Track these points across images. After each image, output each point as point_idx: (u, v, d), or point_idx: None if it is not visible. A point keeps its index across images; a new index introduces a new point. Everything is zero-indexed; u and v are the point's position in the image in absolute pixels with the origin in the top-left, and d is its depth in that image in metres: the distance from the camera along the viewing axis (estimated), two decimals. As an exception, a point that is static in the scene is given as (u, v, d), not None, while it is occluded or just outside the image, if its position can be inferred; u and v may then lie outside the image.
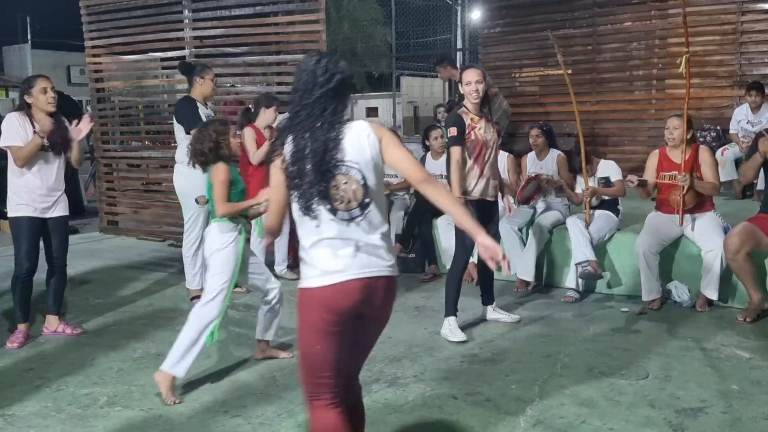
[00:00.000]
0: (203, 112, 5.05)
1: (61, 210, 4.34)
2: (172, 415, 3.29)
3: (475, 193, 4.33)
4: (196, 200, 5.05)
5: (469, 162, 4.31)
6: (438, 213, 5.87)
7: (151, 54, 7.76)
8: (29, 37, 26.06)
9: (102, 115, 8.24)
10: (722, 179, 5.52)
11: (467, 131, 4.29)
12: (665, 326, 4.46)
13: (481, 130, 4.31)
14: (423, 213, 5.90)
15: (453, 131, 4.26)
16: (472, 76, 4.27)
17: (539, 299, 5.17)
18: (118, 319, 4.81)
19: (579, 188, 5.32)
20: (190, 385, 3.63)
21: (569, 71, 6.85)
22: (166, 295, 5.44)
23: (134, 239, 7.79)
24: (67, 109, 5.20)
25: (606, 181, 5.24)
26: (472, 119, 4.32)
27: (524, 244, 5.43)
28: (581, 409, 3.28)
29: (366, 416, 3.22)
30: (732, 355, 3.91)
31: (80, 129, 4.33)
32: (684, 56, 4.65)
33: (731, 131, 7.01)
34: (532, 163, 5.76)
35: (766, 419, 3.13)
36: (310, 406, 2.35)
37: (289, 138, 2.26)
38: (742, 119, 6.90)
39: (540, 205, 5.60)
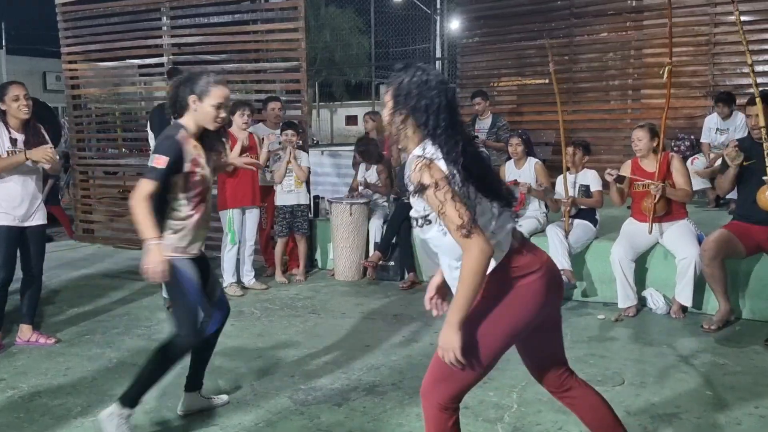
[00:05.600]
0: None
1: (39, 219, 4.29)
2: (147, 425, 3.25)
3: None
4: None
5: None
6: (417, 221, 5.88)
7: (128, 61, 7.72)
8: (4, 43, 25.74)
9: (78, 122, 8.17)
10: (694, 188, 5.60)
11: None
12: (641, 333, 4.51)
13: None
14: (402, 221, 5.91)
15: None
16: None
17: (517, 307, 5.18)
18: (93, 329, 4.75)
19: (557, 196, 5.38)
20: (165, 395, 3.59)
21: (546, 81, 6.96)
22: (142, 303, 5.38)
23: (110, 247, 7.72)
24: (42, 115, 5.15)
25: (586, 189, 5.30)
26: None
27: (502, 252, 5.46)
28: (558, 415, 3.29)
29: (344, 423, 3.24)
30: (706, 361, 3.96)
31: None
32: (666, 67, 4.72)
33: (703, 140, 7.14)
34: (510, 172, 5.80)
35: (739, 424, 3.17)
36: None
37: None
38: (713, 127, 7.04)
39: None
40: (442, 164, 2.08)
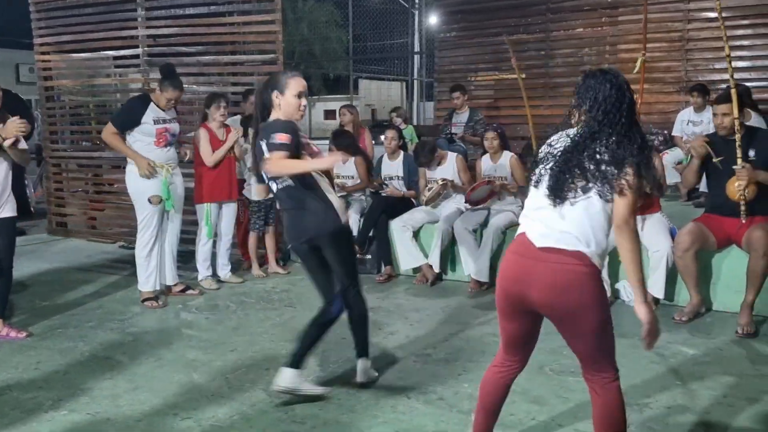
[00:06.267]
0: (154, 115, 4.96)
1: (8, 211, 4.24)
2: (120, 419, 3.23)
3: None
4: (149, 200, 4.98)
5: None
6: (393, 215, 5.90)
7: (102, 52, 7.61)
8: (-25, 35, 25.26)
9: (51, 114, 8.05)
10: (667, 182, 5.68)
11: None
12: (614, 324, 4.55)
13: None
14: (379, 215, 5.91)
15: None
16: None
17: (493, 300, 5.20)
18: (66, 322, 4.70)
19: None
20: (139, 388, 3.57)
21: (523, 75, 6.99)
22: (116, 297, 5.33)
23: (84, 241, 7.63)
24: (14, 107, 5.07)
25: None
26: None
27: (478, 245, 5.49)
28: (532, 406, 3.33)
29: (319, 415, 3.24)
30: (677, 352, 4.02)
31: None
32: (640, 59, 4.75)
33: (674, 133, 7.24)
34: (486, 165, 5.83)
35: (708, 413, 3.23)
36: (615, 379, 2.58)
37: None
38: (685, 119, 7.14)
39: (494, 207, 5.68)
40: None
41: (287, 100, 3.33)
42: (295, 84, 3.34)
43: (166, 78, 5.02)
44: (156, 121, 4.96)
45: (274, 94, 3.33)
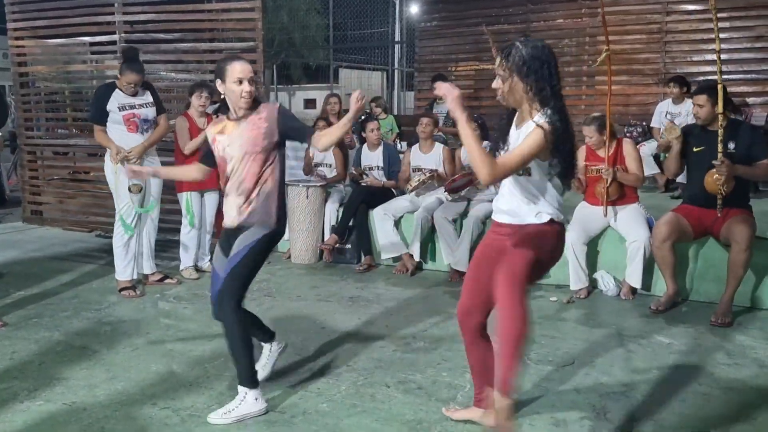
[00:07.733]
0: (119, 101, 4.88)
1: None
2: (97, 409, 3.19)
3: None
4: (129, 189, 4.92)
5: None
6: (373, 205, 5.89)
7: (78, 38, 7.49)
8: (-53, 19, 24.72)
9: (25, 101, 7.91)
10: (645, 173, 5.72)
11: None
12: (592, 314, 4.61)
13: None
14: (358, 204, 5.90)
15: None
16: None
17: (472, 289, 5.23)
18: (41, 312, 4.63)
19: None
20: (116, 378, 3.54)
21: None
22: (92, 287, 5.27)
23: (59, 230, 7.53)
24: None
25: None
26: None
27: (458, 235, 5.51)
28: (510, 394, 3.34)
29: (298, 405, 3.24)
30: (653, 341, 4.06)
31: None
32: (604, 53, 4.81)
33: (653, 125, 7.30)
34: (465, 156, 5.84)
35: (683, 401, 3.27)
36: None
37: None
38: (664, 110, 7.20)
39: (474, 198, 5.69)
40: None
41: (229, 87, 3.12)
42: (233, 69, 3.11)
43: (126, 61, 4.92)
44: (121, 107, 4.88)
45: (217, 83, 3.15)
